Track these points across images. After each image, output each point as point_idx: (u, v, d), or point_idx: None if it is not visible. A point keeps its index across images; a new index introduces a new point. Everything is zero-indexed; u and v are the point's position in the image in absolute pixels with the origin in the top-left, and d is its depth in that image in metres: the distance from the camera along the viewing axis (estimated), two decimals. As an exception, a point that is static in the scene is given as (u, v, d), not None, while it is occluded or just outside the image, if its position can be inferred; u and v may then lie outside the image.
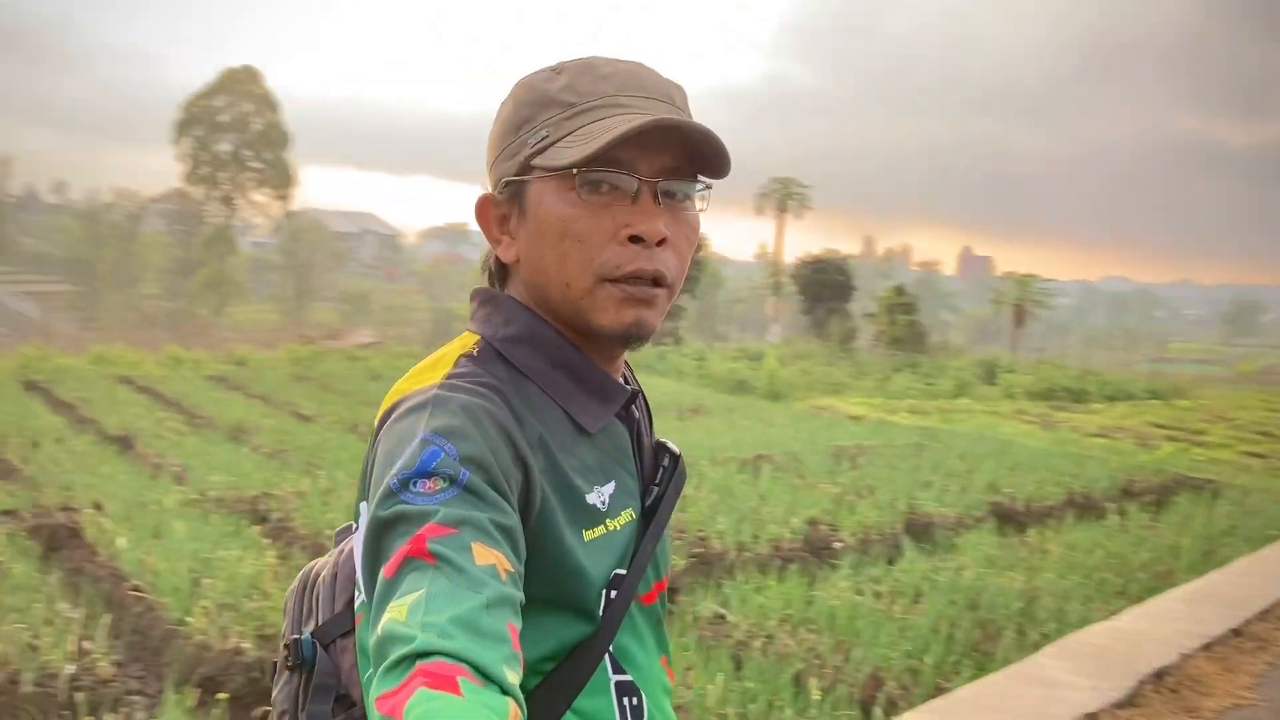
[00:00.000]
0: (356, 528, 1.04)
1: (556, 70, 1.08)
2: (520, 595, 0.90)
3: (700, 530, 7.36)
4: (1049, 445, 13.61)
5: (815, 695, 4.56)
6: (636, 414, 1.17)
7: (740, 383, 18.91)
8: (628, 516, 1.11)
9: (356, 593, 1.06)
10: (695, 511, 7.61)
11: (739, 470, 9.47)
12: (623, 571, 1.09)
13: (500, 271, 1.16)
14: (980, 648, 5.46)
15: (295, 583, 1.25)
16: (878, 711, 4.47)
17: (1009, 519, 8.67)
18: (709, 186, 1.10)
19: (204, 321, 28.72)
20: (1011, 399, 20.98)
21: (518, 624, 0.87)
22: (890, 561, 7.01)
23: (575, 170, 1.02)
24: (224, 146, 60.69)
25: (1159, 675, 4.89)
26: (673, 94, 1.09)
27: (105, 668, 4.51)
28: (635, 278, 1.04)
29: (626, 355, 1.19)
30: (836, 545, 7.33)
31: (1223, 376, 38.15)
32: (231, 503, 7.34)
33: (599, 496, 1.08)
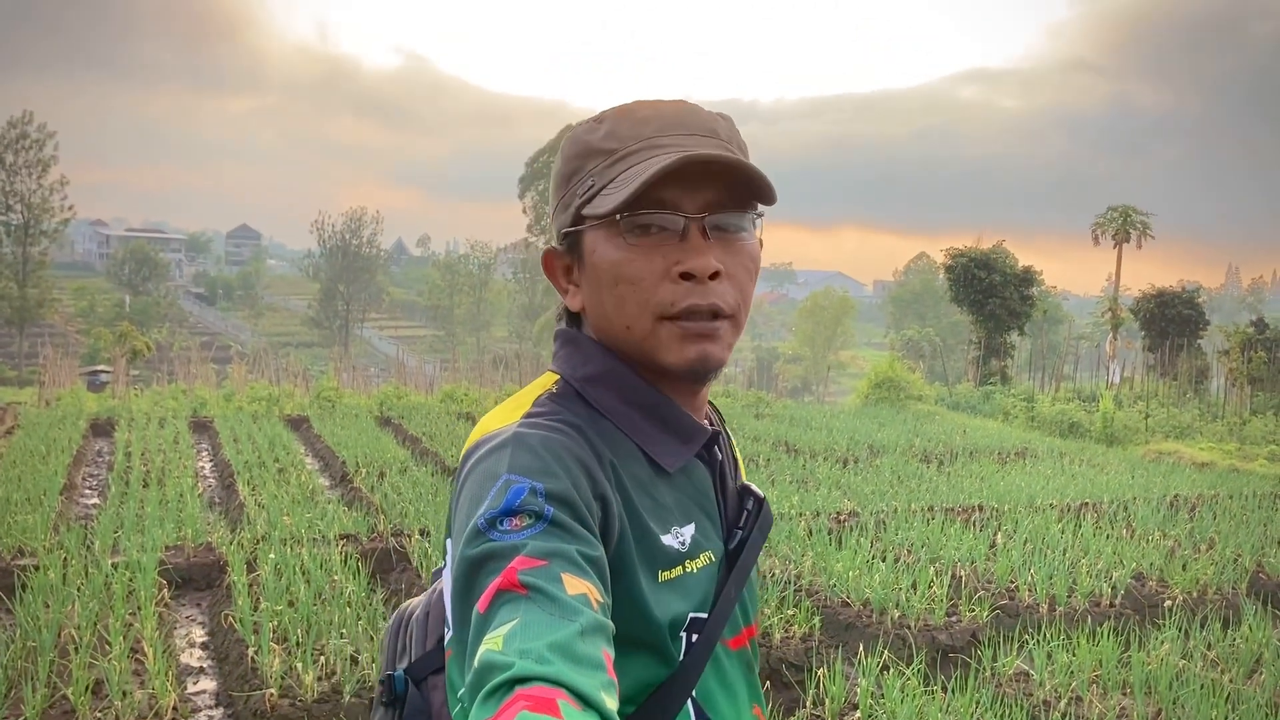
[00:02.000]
0: (444, 565, 1.08)
1: (598, 120, 1.11)
2: (611, 625, 0.90)
3: (1010, 582, 6.97)
4: None
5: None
6: (719, 455, 1.17)
7: (1072, 425, 17.72)
8: (707, 559, 1.10)
9: (445, 630, 1.09)
10: (1004, 562, 7.20)
11: (1059, 519, 8.87)
12: (702, 615, 1.08)
13: (574, 320, 1.19)
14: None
15: (391, 621, 1.29)
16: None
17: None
18: (761, 215, 1.10)
19: (543, 361, 30.50)
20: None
21: (612, 652, 0.87)
22: (1226, 625, 6.32)
23: (619, 216, 1.04)
24: (564, 198, 64.40)
25: None
26: (717, 128, 1.10)
27: (415, 683, 4.86)
28: (691, 314, 1.05)
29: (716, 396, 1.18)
30: (1164, 604, 6.71)
31: None
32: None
33: (676, 538, 1.07)
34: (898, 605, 6.30)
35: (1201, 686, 5.06)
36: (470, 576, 0.92)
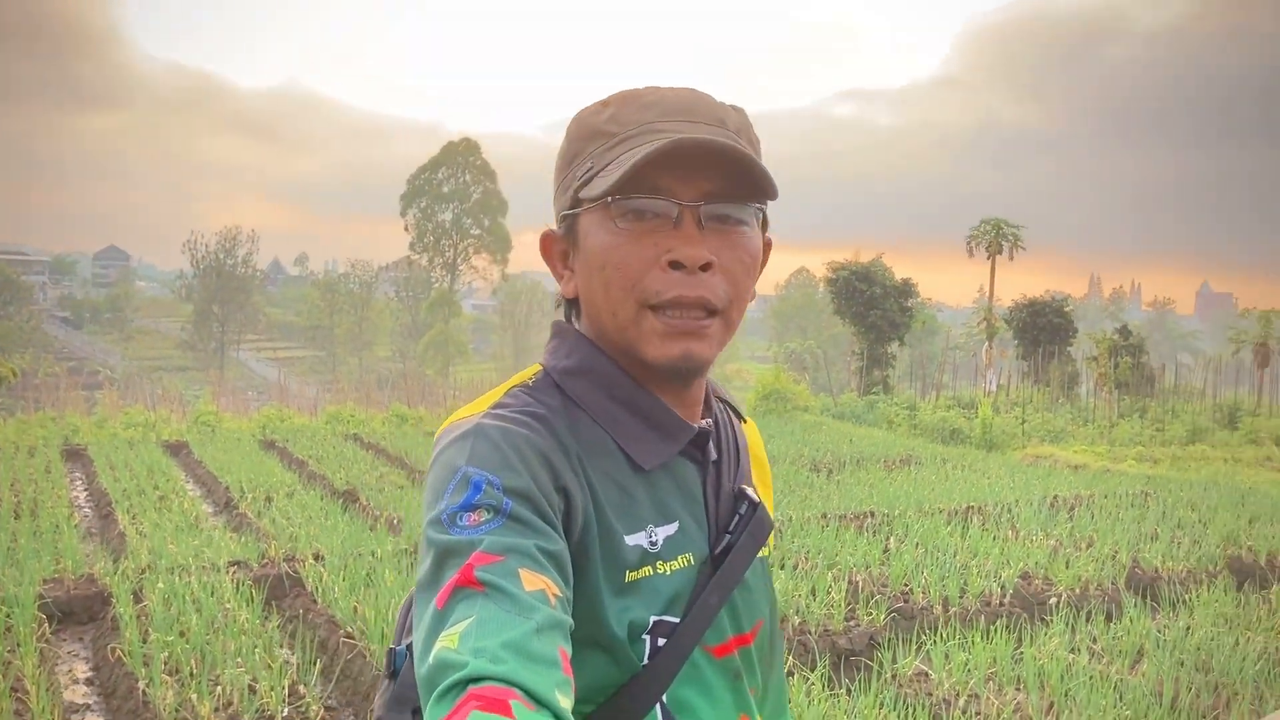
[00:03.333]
0: None
1: (605, 103, 1.08)
2: (570, 621, 0.90)
3: (904, 585, 7.13)
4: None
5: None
6: (713, 455, 1.13)
7: (953, 432, 18.25)
8: (685, 561, 1.06)
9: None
10: (898, 566, 7.37)
11: (947, 523, 9.12)
12: (672, 619, 1.04)
13: (570, 307, 1.15)
14: (1210, 714, 5.04)
15: (405, 598, 1.27)
16: (1088, 778, 4.18)
17: (1248, 575, 8.00)
18: (762, 208, 1.07)
19: (429, 381, 30.13)
20: (1256, 445, 19.36)
21: (569, 648, 0.87)
22: (1109, 619, 6.58)
23: (611, 199, 1.01)
24: (446, 215, 63.94)
25: None
26: (725, 118, 1.06)
27: (316, 711, 4.73)
28: (677, 305, 1.01)
29: (739, 401, 1.17)
30: (1050, 601, 6.95)
31: None
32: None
33: (648, 537, 1.04)
34: (798, 612, 6.39)
35: (1090, 678, 5.26)
36: (430, 571, 0.91)
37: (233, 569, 6.87)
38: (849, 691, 5.22)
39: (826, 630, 6.21)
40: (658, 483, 1.07)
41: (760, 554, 1.15)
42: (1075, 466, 14.87)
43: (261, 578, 6.74)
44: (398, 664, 1.15)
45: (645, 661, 1.02)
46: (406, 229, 64.06)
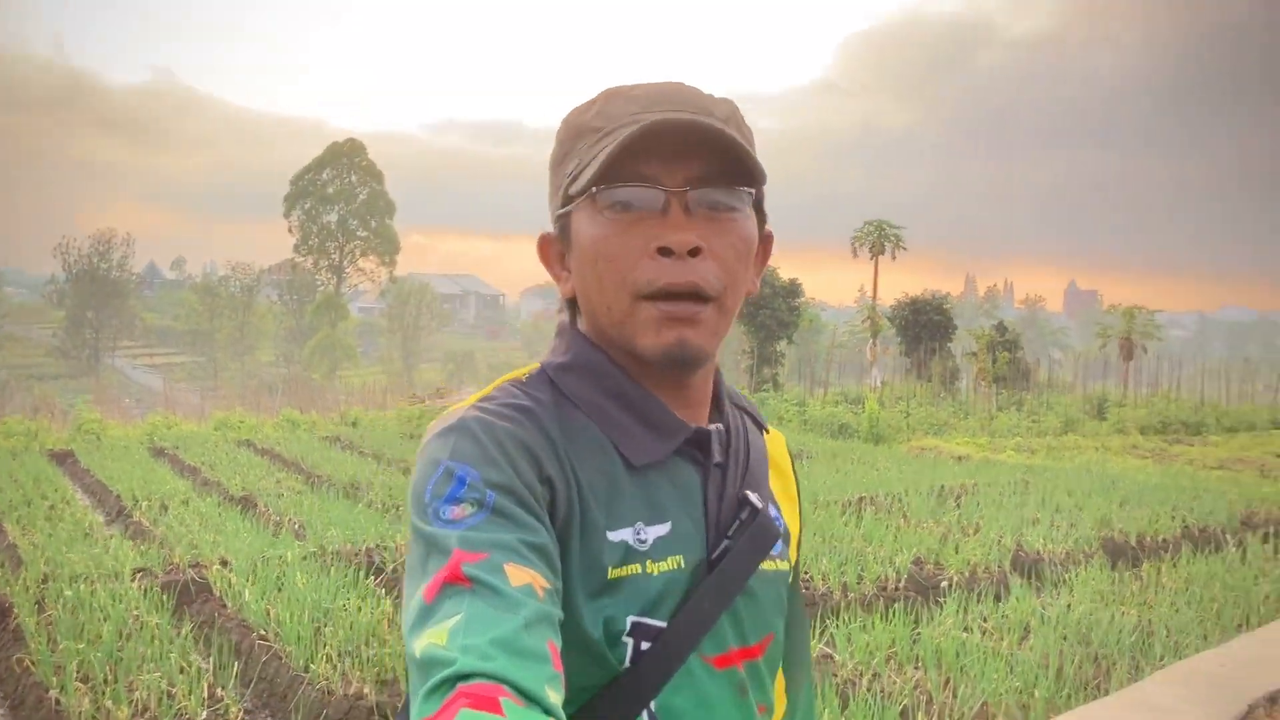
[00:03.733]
0: None
1: (592, 101, 1.06)
2: (559, 613, 0.89)
3: (805, 572, 7.40)
4: (1162, 479, 13.24)
5: (922, 730, 4.58)
6: (716, 457, 1.09)
7: (842, 427, 18.82)
8: (675, 564, 1.03)
9: None
10: (799, 554, 7.65)
11: (842, 513, 9.47)
12: (656, 622, 1.00)
13: (571, 308, 1.13)
14: (1092, 683, 5.40)
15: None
16: (986, 745, 4.46)
17: (1120, 554, 8.51)
18: (750, 193, 1.04)
19: (318, 385, 29.65)
20: (1123, 434, 20.43)
21: (558, 642, 0.87)
22: (997, 599, 6.95)
23: (595, 190, 1.00)
24: (331, 217, 62.86)
25: (1272, 700, 4.79)
26: (712, 108, 1.04)
27: (236, 713, 4.75)
28: (669, 293, 0.99)
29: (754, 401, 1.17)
30: (942, 584, 7.30)
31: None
32: (348, 555, 7.61)
33: (636, 534, 1.01)
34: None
35: (982, 654, 5.58)
36: (417, 560, 0.91)
37: (138, 576, 6.78)
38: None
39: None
40: (652, 481, 1.05)
41: (775, 567, 1.12)
42: (959, 457, 15.48)
43: (169, 584, 6.67)
44: None
45: (627, 664, 1.00)
46: (290, 231, 62.80)
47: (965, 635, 6.03)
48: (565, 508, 0.98)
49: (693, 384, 1.09)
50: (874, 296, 30.26)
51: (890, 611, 6.37)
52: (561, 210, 1.07)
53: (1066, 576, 7.58)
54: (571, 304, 1.12)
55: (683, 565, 1.03)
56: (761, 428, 1.20)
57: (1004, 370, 22.92)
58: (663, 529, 1.03)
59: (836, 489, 11.23)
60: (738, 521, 1.07)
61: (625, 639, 0.99)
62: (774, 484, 1.18)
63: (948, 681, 5.33)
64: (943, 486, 11.36)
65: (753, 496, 1.09)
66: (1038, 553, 8.31)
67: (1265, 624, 6.49)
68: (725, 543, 1.06)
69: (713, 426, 1.11)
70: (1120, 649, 5.83)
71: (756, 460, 1.14)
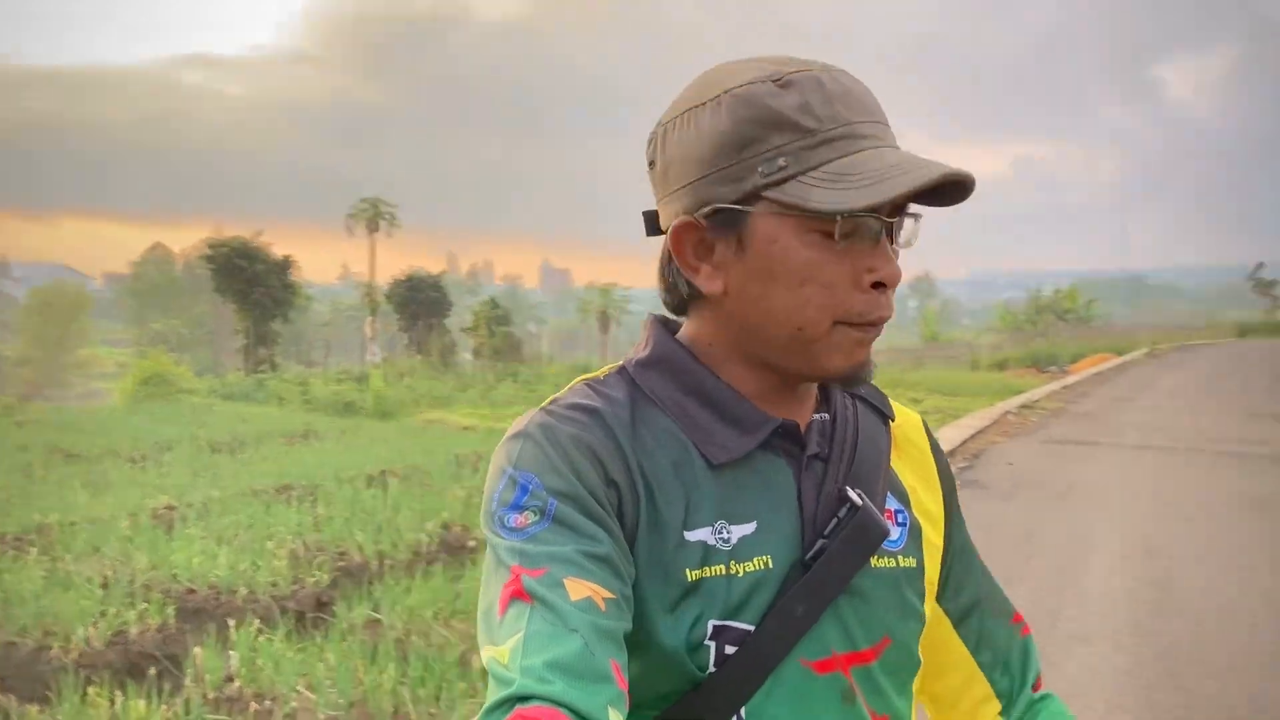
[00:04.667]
0: None
1: (780, 83, 0.94)
2: (623, 624, 0.88)
3: (341, 545, 7.57)
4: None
5: (477, 670, 5.03)
6: (814, 450, 1.04)
7: (347, 404, 18.85)
8: (762, 564, 0.98)
9: None
10: (330, 530, 7.80)
11: (367, 486, 9.69)
12: (741, 625, 0.96)
13: (679, 300, 1.05)
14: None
15: None
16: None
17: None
18: (918, 217, 1.00)
19: None
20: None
21: (622, 658, 0.85)
22: (524, 551, 7.59)
23: (839, 217, 0.92)
24: None
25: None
26: (883, 112, 1.00)
27: None
28: (876, 323, 0.97)
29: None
30: (469, 544, 7.83)
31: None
32: None
33: (718, 534, 0.97)
34: (247, 584, 6.57)
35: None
36: (488, 571, 0.92)
37: None
38: (315, 644, 5.60)
39: (275, 595, 6.47)
40: (737, 479, 1.00)
41: (893, 564, 1.05)
42: (465, 428, 16.24)
43: None
44: None
45: (711, 669, 0.95)
46: None
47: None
48: (633, 510, 0.95)
49: (803, 383, 1.05)
50: (371, 274, 30.36)
51: (430, 572, 6.77)
52: (733, 205, 0.96)
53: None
54: (687, 299, 1.04)
55: (771, 565, 0.98)
56: (886, 415, 1.13)
57: (502, 344, 24.17)
58: (748, 528, 0.98)
59: (356, 464, 11.41)
60: (835, 519, 1.01)
61: (707, 643, 0.95)
62: (906, 469, 1.13)
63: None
64: (457, 455, 11.95)
65: (852, 493, 1.02)
66: (550, 508, 9.13)
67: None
68: (821, 541, 1.00)
69: (815, 417, 1.06)
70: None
71: (869, 451, 1.07)
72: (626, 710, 0.84)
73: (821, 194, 0.91)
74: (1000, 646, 1.18)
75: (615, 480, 0.95)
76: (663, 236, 1.03)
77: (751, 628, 0.96)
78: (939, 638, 1.14)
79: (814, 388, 1.07)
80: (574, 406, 0.99)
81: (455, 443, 13.60)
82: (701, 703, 0.96)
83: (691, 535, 0.96)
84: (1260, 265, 58.20)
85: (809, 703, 0.99)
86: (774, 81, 0.94)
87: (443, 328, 27.80)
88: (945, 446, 11.92)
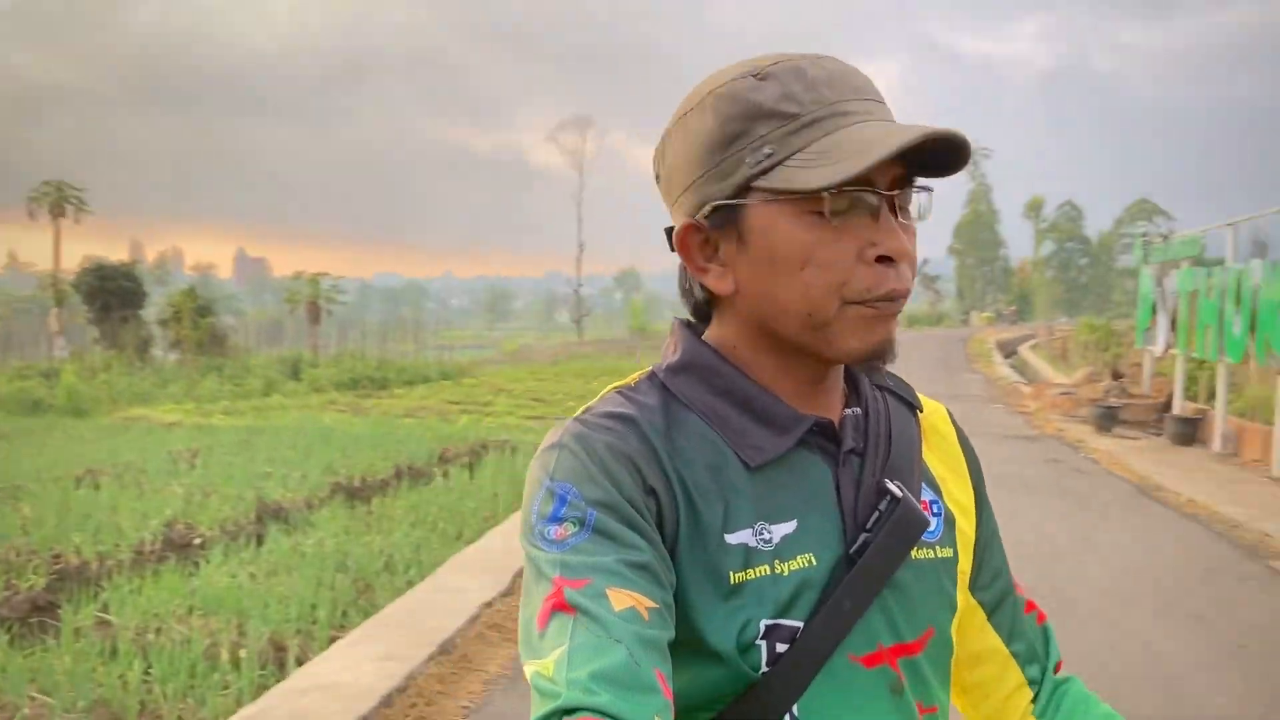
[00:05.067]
0: None
1: (758, 75, 0.96)
2: (666, 632, 0.88)
3: (53, 549, 7.13)
4: (367, 429, 14.71)
5: (226, 663, 4.97)
6: (850, 444, 1.03)
7: (35, 403, 17.38)
8: (806, 562, 0.98)
9: None
10: (42, 533, 7.34)
11: (77, 486, 9.12)
12: (791, 622, 0.96)
13: (698, 306, 1.07)
14: (361, 599, 6.21)
15: None
16: (292, 662, 5.01)
17: (353, 494, 9.50)
18: (931, 190, 1.00)
19: None
20: (320, 391, 21.87)
21: (666, 668, 0.85)
22: (259, 544, 7.45)
23: (827, 193, 0.92)
24: None
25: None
26: (877, 90, 1.00)
27: None
28: (888, 298, 0.96)
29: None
30: (195, 541, 7.57)
31: (493, 357, 42.87)
32: None
33: (759, 535, 0.97)
34: (-48, 592, 6.10)
35: (258, 594, 6.07)
36: (528, 584, 0.92)
37: None
38: (42, 647, 5.32)
39: (-12, 604, 6.06)
40: (774, 478, 1.00)
41: (933, 555, 1.06)
42: (170, 424, 15.39)
43: None
44: None
45: (764, 669, 0.95)
46: None
47: (235, 580, 6.45)
48: (673, 515, 0.95)
49: (830, 375, 1.05)
50: (56, 263, 27.97)
51: (159, 571, 6.53)
52: (729, 200, 0.97)
53: (311, 518, 8.33)
54: (704, 300, 1.06)
55: (815, 562, 0.98)
56: (914, 406, 1.13)
57: (204, 337, 22.97)
58: (789, 527, 0.98)
59: (58, 464, 10.66)
60: (877, 513, 1.01)
61: (759, 643, 0.95)
62: (935, 460, 1.13)
63: (233, 622, 5.73)
64: (169, 452, 11.40)
65: (892, 485, 1.03)
66: (279, 502, 8.93)
67: (476, 533, 7.90)
68: (864, 536, 1.00)
69: (848, 411, 1.05)
70: (374, 569, 6.74)
71: (903, 443, 1.08)
72: (673, 719, 0.84)
73: (807, 174, 0.92)
74: (1029, 636, 1.19)
75: (654, 487, 0.95)
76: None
77: (801, 625, 0.96)
78: (973, 628, 1.14)
79: (841, 381, 1.07)
80: (608, 415, 0.98)
81: (163, 440, 12.92)
82: (756, 702, 0.95)
83: (732, 538, 0.96)
84: (925, 261, 64.06)
85: (859, 696, 0.99)
86: (754, 76, 0.96)
87: (138, 320, 26.06)
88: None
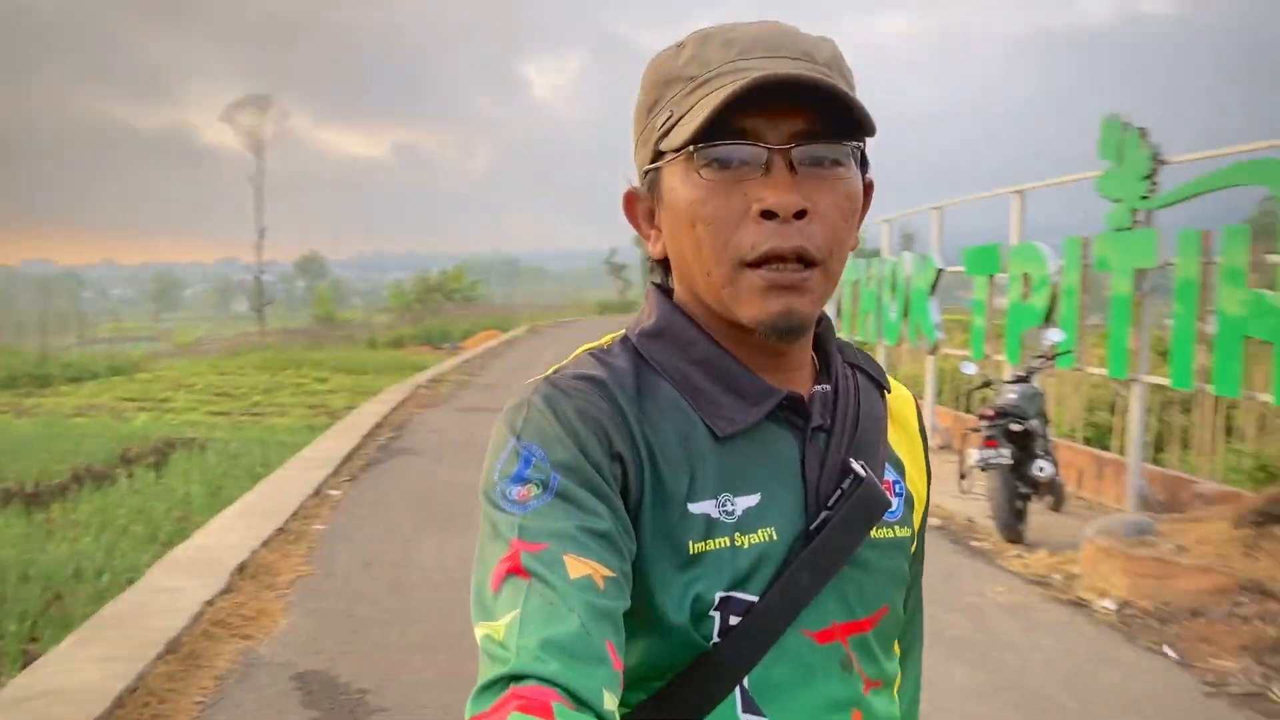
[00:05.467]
0: None
1: (681, 44, 0.99)
2: (621, 603, 0.87)
3: None
4: (35, 430, 13.57)
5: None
6: (817, 421, 1.03)
7: None
8: (766, 536, 0.97)
9: None
10: None
11: None
12: (746, 596, 0.96)
13: (662, 268, 1.07)
14: (52, 609, 5.84)
15: None
16: (-14, 679, 4.70)
17: (28, 500, 8.81)
18: (860, 147, 0.97)
19: None
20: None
21: (618, 639, 0.84)
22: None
23: (694, 147, 0.93)
24: None
25: (241, 568, 5.99)
26: (813, 50, 0.97)
27: None
28: (773, 258, 0.93)
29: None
30: None
31: (166, 350, 40.31)
32: None
33: (722, 506, 0.97)
34: None
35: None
36: (484, 543, 0.91)
37: None
38: None
39: None
40: (741, 450, 0.99)
41: (892, 535, 1.06)
42: None
43: None
44: None
45: (715, 639, 0.95)
46: None
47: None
48: (638, 483, 0.94)
49: (793, 348, 1.03)
50: None
51: None
52: (650, 165, 1.00)
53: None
54: (661, 264, 1.07)
55: (775, 537, 0.98)
56: (882, 386, 1.13)
57: None
58: (752, 500, 0.98)
59: None
60: (839, 491, 1.01)
61: (712, 614, 0.95)
62: (898, 442, 1.13)
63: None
64: None
65: (855, 464, 1.02)
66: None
67: (172, 535, 7.56)
68: (825, 513, 1.00)
69: (817, 388, 1.05)
70: (63, 577, 6.34)
71: (870, 423, 1.07)
72: (621, 691, 0.83)
73: (679, 131, 0.94)
74: (913, 623, 1.21)
75: (620, 453, 0.94)
76: None
77: (755, 599, 0.96)
78: None
79: (809, 356, 1.07)
80: (579, 377, 0.97)
81: None
82: (705, 673, 0.95)
83: (695, 508, 0.96)
84: (614, 251, 65.96)
85: (810, 672, 0.98)
86: (676, 45, 1.00)
87: None
88: (369, 422, 12.46)
